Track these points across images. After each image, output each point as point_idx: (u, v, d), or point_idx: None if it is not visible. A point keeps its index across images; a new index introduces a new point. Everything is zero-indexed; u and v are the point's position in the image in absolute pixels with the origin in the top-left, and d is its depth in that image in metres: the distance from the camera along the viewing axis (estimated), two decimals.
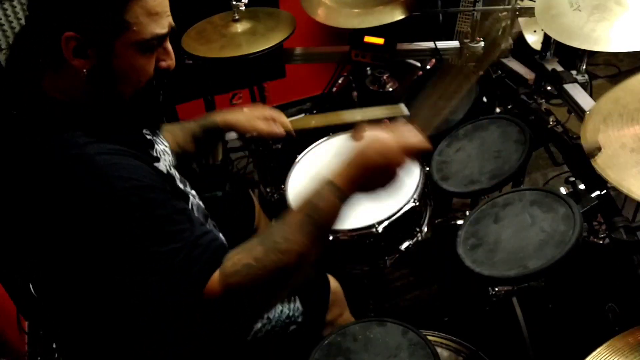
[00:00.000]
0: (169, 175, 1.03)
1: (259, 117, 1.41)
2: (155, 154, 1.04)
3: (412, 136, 0.99)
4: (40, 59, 0.89)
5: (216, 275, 0.85)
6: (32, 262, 0.95)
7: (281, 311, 1.23)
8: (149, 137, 1.09)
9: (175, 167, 1.15)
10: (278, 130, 1.42)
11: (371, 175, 0.95)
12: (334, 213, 0.92)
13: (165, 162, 1.07)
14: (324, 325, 1.31)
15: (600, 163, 1.01)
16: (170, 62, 0.96)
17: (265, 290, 0.88)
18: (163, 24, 0.90)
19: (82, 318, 0.99)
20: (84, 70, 0.86)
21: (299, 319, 1.26)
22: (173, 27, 0.94)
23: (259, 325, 1.20)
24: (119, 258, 0.83)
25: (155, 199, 0.86)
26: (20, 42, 0.96)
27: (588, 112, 1.16)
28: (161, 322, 0.90)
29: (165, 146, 1.16)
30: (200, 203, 1.21)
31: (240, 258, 0.87)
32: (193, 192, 1.21)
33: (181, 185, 1.09)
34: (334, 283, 1.36)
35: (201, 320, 0.87)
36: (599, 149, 1.03)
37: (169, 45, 0.95)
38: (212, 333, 0.92)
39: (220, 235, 1.28)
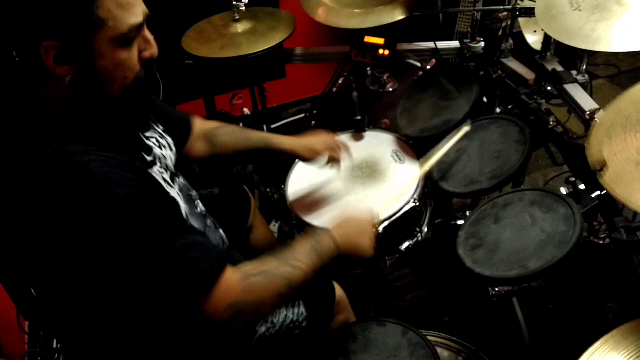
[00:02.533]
0: (158, 182, 1.00)
1: (325, 146, 1.45)
2: (149, 158, 1.03)
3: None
4: (25, 74, 0.86)
5: (232, 277, 0.91)
6: (31, 269, 0.94)
7: (285, 315, 1.23)
8: (146, 139, 1.07)
9: (176, 167, 1.14)
10: (343, 157, 1.49)
11: (352, 236, 1.11)
12: (330, 253, 1.04)
13: (162, 166, 1.06)
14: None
15: (607, 180, 0.99)
16: (152, 50, 0.93)
17: (275, 294, 0.95)
18: (137, 13, 0.87)
19: (82, 322, 1.00)
20: (68, 77, 0.85)
21: (303, 324, 1.25)
22: (147, 13, 0.91)
23: (262, 329, 1.20)
24: (109, 265, 0.84)
25: (146, 207, 0.86)
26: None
27: (595, 120, 1.15)
28: (163, 327, 0.93)
29: (168, 144, 1.14)
30: (200, 205, 1.21)
31: (257, 265, 0.96)
32: (193, 192, 1.21)
33: (171, 191, 1.06)
34: (339, 291, 1.36)
35: (213, 319, 0.90)
36: (604, 165, 1.00)
37: (148, 33, 0.92)
38: (226, 333, 0.95)
39: (220, 231, 1.28)
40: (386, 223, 1.42)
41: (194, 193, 1.21)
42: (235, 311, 0.90)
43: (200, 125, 1.36)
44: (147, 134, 1.09)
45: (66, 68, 0.84)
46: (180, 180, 1.16)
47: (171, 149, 1.15)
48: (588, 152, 1.06)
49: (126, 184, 0.85)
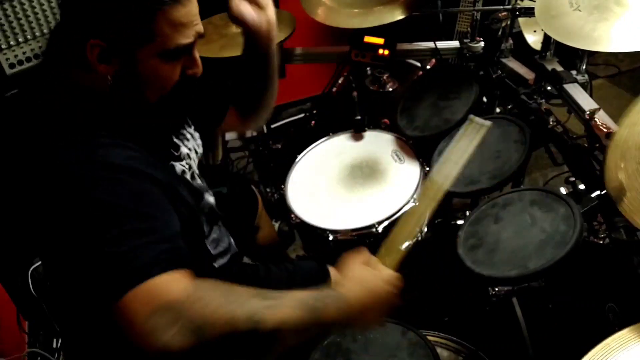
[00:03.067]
0: (181, 177, 1.05)
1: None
2: (176, 153, 1.07)
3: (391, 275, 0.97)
4: (68, 58, 0.91)
5: (185, 282, 0.78)
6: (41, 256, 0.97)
7: None
8: (178, 141, 1.11)
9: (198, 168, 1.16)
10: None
11: (366, 312, 0.90)
12: (332, 319, 0.85)
13: (185, 165, 1.09)
14: None
15: (627, 209, 0.92)
16: (196, 69, 0.97)
17: (228, 321, 0.76)
18: (188, 34, 0.91)
19: (78, 315, 1.00)
20: (109, 76, 0.89)
21: None
22: (201, 34, 0.94)
23: None
24: (75, 222, 0.82)
25: (139, 185, 0.86)
26: (52, 39, 0.99)
27: (610, 141, 1.03)
28: None
29: (196, 153, 1.16)
30: (213, 204, 1.22)
31: (218, 282, 0.81)
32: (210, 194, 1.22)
33: (184, 191, 1.07)
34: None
35: (132, 321, 0.75)
36: (624, 192, 0.93)
37: (196, 53, 0.96)
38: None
39: (231, 239, 1.28)
40: (386, 223, 1.42)
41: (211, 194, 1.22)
42: (170, 317, 0.73)
43: None
44: (178, 136, 1.12)
45: (107, 67, 0.88)
46: (198, 181, 1.18)
47: (196, 152, 1.17)
48: (607, 178, 0.99)
49: (142, 174, 0.87)
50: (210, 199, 1.21)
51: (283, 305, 0.81)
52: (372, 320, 0.93)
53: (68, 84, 0.93)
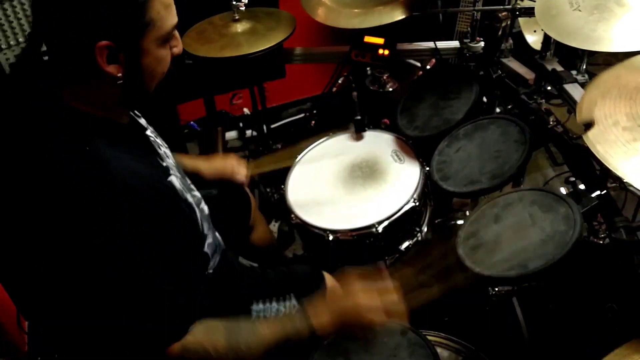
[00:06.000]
0: (181, 195, 1.06)
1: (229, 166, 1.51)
2: (164, 164, 1.06)
3: (395, 300, 1.07)
4: (69, 72, 0.90)
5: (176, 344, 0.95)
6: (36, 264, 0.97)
7: (277, 310, 1.23)
8: (152, 138, 1.10)
9: (179, 170, 1.15)
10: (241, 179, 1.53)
11: (350, 327, 1.07)
12: (298, 340, 1.03)
13: (175, 172, 1.09)
14: None
15: (591, 137, 1.01)
16: (180, 46, 0.98)
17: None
18: (174, 13, 0.93)
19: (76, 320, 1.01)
20: (119, 75, 0.88)
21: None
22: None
23: None
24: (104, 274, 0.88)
25: (161, 235, 0.92)
26: (29, 58, 0.97)
27: (588, 85, 1.17)
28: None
29: (165, 148, 1.16)
30: (205, 208, 1.22)
31: (202, 340, 0.98)
32: (198, 194, 1.21)
33: (188, 196, 1.10)
34: (330, 281, 1.36)
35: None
36: (592, 123, 1.02)
37: (176, 31, 0.97)
38: None
39: (217, 234, 1.28)
40: (386, 223, 1.42)
41: (197, 195, 1.21)
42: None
43: None
44: (159, 141, 1.13)
45: (116, 67, 0.88)
46: (194, 193, 1.19)
47: (170, 154, 1.17)
48: (578, 108, 1.08)
49: (148, 193, 0.91)
50: (205, 208, 1.21)
51: (255, 350, 0.99)
52: (364, 323, 1.05)
53: (60, 106, 0.91)
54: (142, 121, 1.13)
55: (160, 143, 1.14)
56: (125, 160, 0.90)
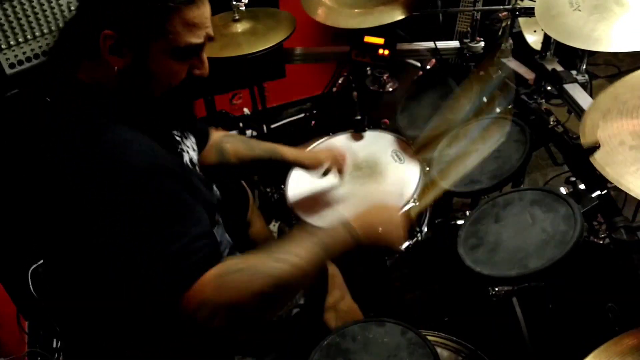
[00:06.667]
0: (188, 168, 1.07)
1: (329, 155, 1.49)
2: (179, 150, 1.08)
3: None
4: (79, 48, 0.93)
5: (209, 275, 0.87)
6: (46, 243, 0.99)
7: None
8: (177, 137, 1.13)
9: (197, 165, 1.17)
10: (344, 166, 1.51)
11: (377, 226, 1.05)
12: (344, 247, 0.99)
13: (187, 157, 1.11)
14: (326, 310, 1.31)
15: (599, 160, 1.00)
16: (203, 71, 1.00)
17: (256, 293, 0.88)
18: (199, 35, 0.94)
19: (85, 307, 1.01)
20: (116, 68, 0.90)
21: (300, 301, 1.27)
22: (211, 37, 0.98)
23: None
24: (116, 232, 0.86)
25: (169, 185, 0.90)
26: (64, 32, 1.00)
27: (587, 109, 1.16)
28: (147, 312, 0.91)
29: (193, 150, 1.18)
30: (219, 196, 1.23)
31: (241, 260, 0.92)
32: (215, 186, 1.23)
33: (198, 182, 1.10)
34: (331, 268, 1.36)
35: (190, 317, 0.86)
36: (597, 145, 1.02)
37: (204, 55, 0.99)
38: (202, 332, 0.91)
39: (226, 235, 1.29)
40: None
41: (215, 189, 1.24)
42: (209, 311, 0.85)
43: (215, 136, 1.40)
44: (177, 132, 1.14)
45: (117, 59, 0.90)
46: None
47: (194, 149, 1.19)
48: (582, 132, 1.07)
49: (158, 159, 0.90)
50: (216, 190, 1.22)
51: (295, 255, 0.92)
52: (390, 239, 1.05)
53: (74, 82, 0.94)
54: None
55: (187, 143, 1.16)
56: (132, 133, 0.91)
